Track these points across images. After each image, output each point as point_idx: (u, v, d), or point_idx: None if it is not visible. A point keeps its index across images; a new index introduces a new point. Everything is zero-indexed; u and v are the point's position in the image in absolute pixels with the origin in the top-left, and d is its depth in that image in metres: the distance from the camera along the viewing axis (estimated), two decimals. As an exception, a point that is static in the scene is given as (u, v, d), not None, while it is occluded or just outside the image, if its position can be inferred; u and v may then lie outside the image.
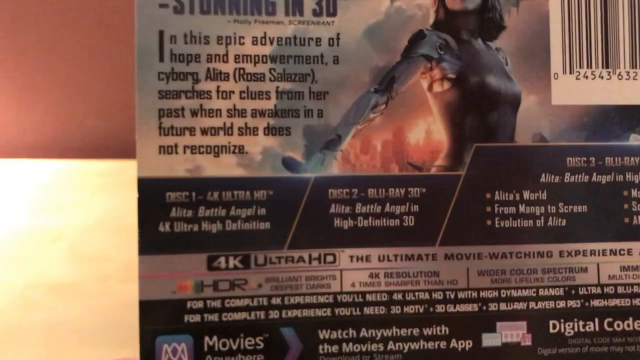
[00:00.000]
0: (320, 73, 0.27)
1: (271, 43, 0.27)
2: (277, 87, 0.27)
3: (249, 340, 0.27)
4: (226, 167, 0.27)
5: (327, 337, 0.27)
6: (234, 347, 0.27)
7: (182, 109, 0.27)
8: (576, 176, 0.28)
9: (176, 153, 0.27)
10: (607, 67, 0.29)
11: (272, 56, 0.27)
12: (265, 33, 0.27)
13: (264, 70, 0.27)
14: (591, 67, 0.29)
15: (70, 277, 0.37)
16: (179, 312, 0.26)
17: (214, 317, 0.27)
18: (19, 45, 0.43)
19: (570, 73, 0.29)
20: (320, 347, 0.27)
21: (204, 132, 0.27)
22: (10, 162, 0.44)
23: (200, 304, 0.27)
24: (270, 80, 0.27)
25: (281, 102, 0.27)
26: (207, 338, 0.27)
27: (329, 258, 0.27)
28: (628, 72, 0.29)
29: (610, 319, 0.28)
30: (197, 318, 0.27)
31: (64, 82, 0.38)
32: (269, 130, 0.27)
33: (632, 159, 0.29)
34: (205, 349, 0.27)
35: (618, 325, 0.28)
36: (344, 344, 0.27)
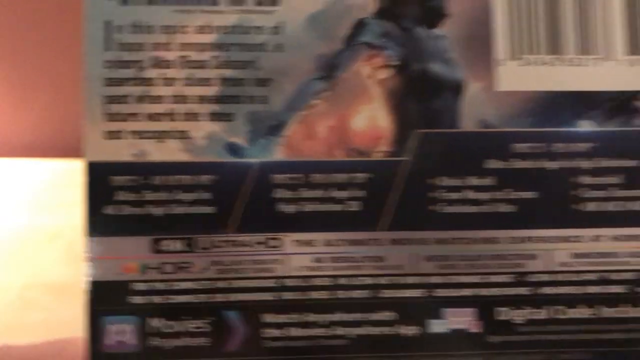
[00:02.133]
0: (263, 61, 0.28)
1: (215, 32, 0.28)
2: (221, 74, 0.28)
3: (194, 323, 0.27)
4: (171, 152, 0.27)
5: (271, 321, 0.27)
6: (178, 329, 0.27)
7: (128, 95, 0.27)
8: (524, 162, 0.28)
9: (122, 138, 0.27)
10: (553, 53, 0.29)
11: (216, 44, 0.28)
12: (208, 22, 0.28)
13: (208, 58, 0.28)
14: (537, 53, 0.29)
15: (68, 277, 0.37)
16: (125, 293, 0.27)
17: (159, 299, 0.27)
18: (16, 44, 0.44)
19: (515, 59, 0.29)
20: (265, 330, 0.27)
21: (149, 118, 0.27)
22: (7, 161, 0.44)
23: (145, 286, 0.27)
24: (214, 67, 0.28)
25: (225, 88, 0.28)
26: (152, 319, 0.27)
27: (274, 242, 0.27)
28: (575, 58, 0.29)
29: (560, 307, 0.28)
30: (142, 300, 0.27)
31: (62, 81, 0.38)
32: (213, 116, 0.28)
33: (581, 144, 0.29)
34: (150, 330, 0.27)
35: (565, 313, 0.28)
36: (289, 328, 0.27)
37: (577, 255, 0.28)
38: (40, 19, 0.43)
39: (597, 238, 0.28)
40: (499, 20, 0.29)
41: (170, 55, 0.28)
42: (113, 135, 0.27)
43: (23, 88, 0.45)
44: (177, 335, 0.27)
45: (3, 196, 0.42)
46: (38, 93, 0.44)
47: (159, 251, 0.27)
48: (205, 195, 0.27)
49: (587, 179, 0.28)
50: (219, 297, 0.27)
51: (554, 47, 0.29)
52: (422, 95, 0.28)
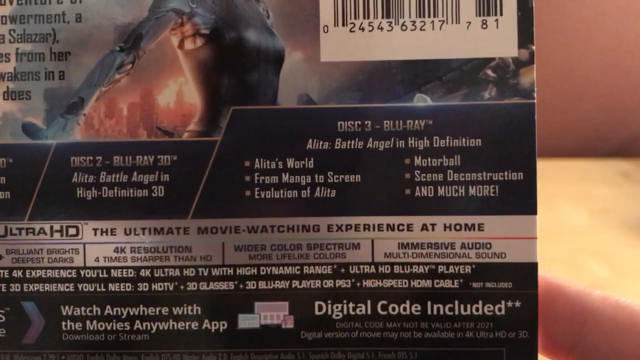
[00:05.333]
0: (62, 33, 0.26)
1: (11, 3, 0.25)
2: (17, 49, 0.26)
3: None
4: (-38, 134, 0.26)
5: (70, 313, 0.26)
6: (-27, 321, 0.26)
7: None
8: (348, 142, 0.25)
9: None
10: (387, 16, 0.25)
11: (12, 16, 0.26)
12: (2, -8, 0.25)
13: (3, 32, 0.26)
14: (368, 18, 0.25)
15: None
16: None
17: None
18: None
19: (344, 25, 0.25)
20: (63, 323, 0.26)
21: (-61, 98, 0.26)
22: None
23: None
24: (10, 42, 0.26)
25: (21, 64, 0.26)
26: None
27: (72, 231, 0.26)
28: (414, 22, 0.25)
29: (384, 302, 0.25)
30: None
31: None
32: (9, 95, 0.26)
33: (416, 122, 0.25)
34: None
35: (393, 309, 0.25)
36: (88, 322, 0.26)
37: (406, 246, 0.25)
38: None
39: (429, 227, 0.25)
40: (323, -19, 0.25)
41: (-40, 29, 0.25)
42: None
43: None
44: (-30, 326, 0.26)
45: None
46: None
47: (-51, 239, 0.26)
48: (1, 180, 0.26)
49: (419, 161, 0.25)
50: (15, 287, 0.26)
51: (389, 10, 0.25)
52: (236, 68, 0.26)
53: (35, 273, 0.26)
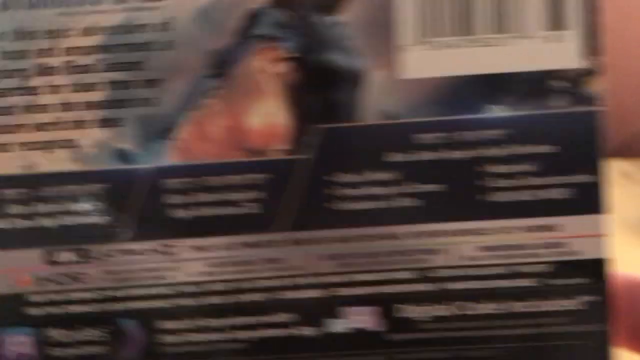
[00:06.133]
0: (152, 60, 0.27)
1: (101, 33, 0.27)
2: (108, 78, 0.27)
3: (92, 332, 0.27)
4: (60, 162, 0.27)
5: (169, 327, 0.27)
6: (76, 339, 0.27)
7: (13, 106, 0.27)
8: (428, 153, 0.27)
9: (10, 151, 0.27)
10: (463, 33, 0.27)
11: (102, 46, 0.27)
12: (93, 23, 0.27)
13: (94, 62, 0.27)
14: (445, 35, 0.27)
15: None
16: (19, 305, 0.27)
17: (56, 310, 0.27)
18: None
19: (422, 43, 0.27)
20: (162, 337, 0.27)
21: (37, 128, 0.27)
22: None
23: (41, 298, 0.27)
24: (101, 71, 0.27)
25: (113, 92, 0.27)
26: (48, 330, 0.27)
27: (168, 249, 0.27)
28: (488, 38, 0.27)
29: (466, 302, 0.27)
30: (39, 311, 0.27)
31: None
32: (102, 123, 0.27)
33: (491, 132, 0.27)
34: (48, 341, 0.27)
35: (475, 309, 0.27)
36: (187, 334, 0.27)
37: (485, 249, 0.27)
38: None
39: (506, 230, 0.27)
40: (404, 2, 0.27)
41: (55, 62, 0.27)
42: (0, 148, 0.27)
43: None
44: (75, 344, 0.27)
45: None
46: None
47: (52, 262, 0.27)
48: (97, 205, 0.27)
49: (496, 168, 0.27)
50: (115, 306, 0.27)
51: (464, 27, 0.27)
52: (320, 88, 0.27)
53: (135, 292, 0.27)
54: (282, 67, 0.27)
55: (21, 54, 0.27)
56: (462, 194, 0.27)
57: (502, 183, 0.27)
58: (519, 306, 0.27)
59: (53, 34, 0.27)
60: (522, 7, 0.27)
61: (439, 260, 0.27)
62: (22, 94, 0.27)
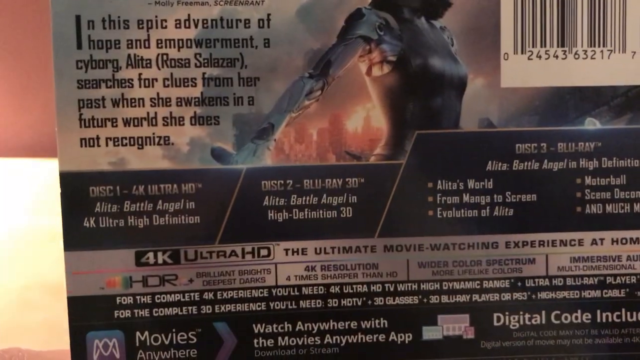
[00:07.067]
0: (250, 57, 0.26)
1: (196, 26, 0.26)
2: (204, 73, 0.26)
3: (182, 335, 0.26)
4: (151, 159, 0.26)
5: (262, 331, 0.27)
6: (166, 342, 0.26)
7: (103, 98, 0.25)
8: (525, 163, 0.27)
9: (98, 146, 0.25)
10: (562, 45, 0.27)
11: (198, 40, 0.26)
12: (189, 15, 0.25)
13: (189, 56, 0.26)
14: (545, 46, 0.27)
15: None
16: (109, 307, 0.26)
17: (144, 313, 0.26)
18: (16, 44, 0.42)
19: (522, 53, 0.27)
20: (255, 341, 0.27)
21: (127, 123, 0.26)
22: (7, 161, 0.43)
23: (130, 300, 0.26)
24: (196, 66, 0.26)
25: (208, 89, 0.26)
26: (138, 333, 0.26)
27: (263, 252, 0.26)
28: (585, 51, 0.27)
29: (557, 312, 0.27)
30: (127, 313, 0.26)
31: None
32: (196, 120, 0.26)
33: (586, 144, 0.27)
34: (137, 343, 0.26)
35: (566, 318, 0.27)
36: (280, 338, 0.27)
37: (577, 260, 0.27)
38: (39, 20, 0.40)
39: (598, 241, 0.27)
40: (506, 11, 0.26)
41: (148, 53, 0.25)
42: (89, 142, 0.25)
43: (23, 88, 0.43)
44: (165, 347, 0.26)
45: (3, 196, 0.41)
46: (38, 93, 0.42)
47: (142, 264, 0.26)
48: (190, 205, 0.26)
49: (589, 180, 0.27)
50: (207, 309, 0.26)
51: (564, 39, 0.27)
52: (421, 93, 0.26)
53: (227, 294, 0.26)
54: (383, 70, 0.26)
55: (111, 44, 0.25)
56: (555, 205, 0.27)
57: (594, 195, 0.27)
58: (607, 316, 0.27)
59: (145, 24, 0.25)
60: (623, 23, 0.27)
61: (532, 270, 0.27)
62: (112, 86, 0.25)
